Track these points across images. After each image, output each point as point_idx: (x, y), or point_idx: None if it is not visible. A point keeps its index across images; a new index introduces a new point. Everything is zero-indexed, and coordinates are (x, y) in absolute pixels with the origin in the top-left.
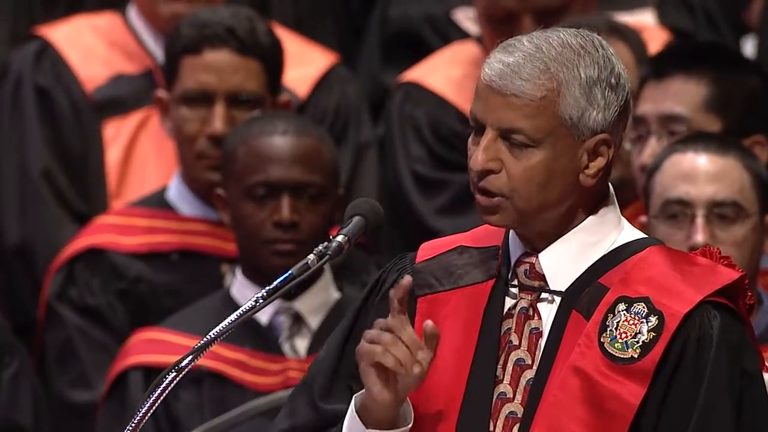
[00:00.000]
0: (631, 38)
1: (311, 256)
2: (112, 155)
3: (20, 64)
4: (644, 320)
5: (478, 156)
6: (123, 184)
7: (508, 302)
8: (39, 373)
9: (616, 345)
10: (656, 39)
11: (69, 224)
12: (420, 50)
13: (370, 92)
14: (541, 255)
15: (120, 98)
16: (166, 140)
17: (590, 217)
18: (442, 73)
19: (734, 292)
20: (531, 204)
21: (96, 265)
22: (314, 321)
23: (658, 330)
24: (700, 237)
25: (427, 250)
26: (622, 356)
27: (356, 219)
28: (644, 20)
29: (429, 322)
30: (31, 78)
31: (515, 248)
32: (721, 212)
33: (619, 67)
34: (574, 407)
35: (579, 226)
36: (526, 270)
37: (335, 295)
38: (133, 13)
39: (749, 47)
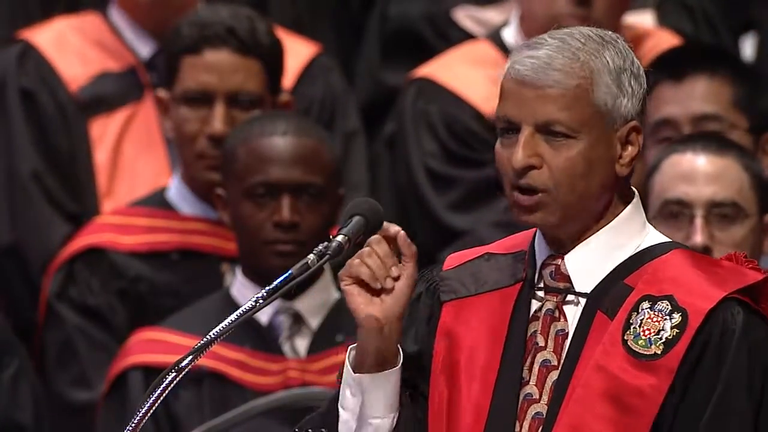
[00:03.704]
0: None
1: (311, 256)
2: (101, 154)
3: (4, 68)
4: (668, 317)
5: (518, 153)
6: (113, 182)
7: (535, 305)
8: (39, 373)
9: (639, 342)
10: (664, 43)
11: (60, 224)
12: (420, 49)
13: (369, 91)
14: (567, 257)
15: (105, 96)
16: (154, 137)
17: (616, 219)
18: (456, 69)
19: (758, 294)
20: (574, 195)
21: (96, 264)
22: (314, 321)
23: (681, 327)
24: (699, 237)
25: (454, 259)
26: (645, 353)
27: (356, 219)
28: (644, 21)
29: (401, 233)
30: (16, 81)
31: (541, 251)
32: (720, 213)
33: (636, 59)
34: (597, 405)
35: (605, 227)
36: (552, 272)
37: (335, 295)
38: (114, 11)
39: (748, 48)
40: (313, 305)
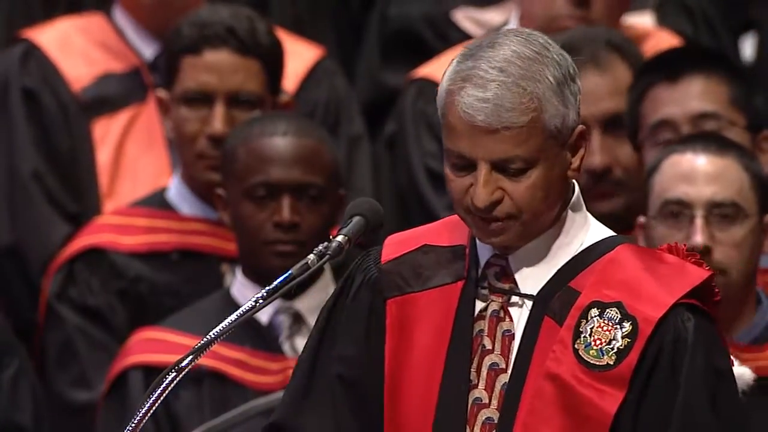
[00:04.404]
0: (631, 55)
1: (311, 256)
2: (103, 154)
3: (6, 67)
4: (618, 326)
5: (480, 194)
6: (115, 183)
7: (479, 305)
8: (39, 373)
9: (590, 352)
10: (664, 43)
11: (61, 225)
12: (419, 50)
13: (369, 91)
14: (511, 257)
15: (108, 97)
16: (156, 138)
17: (563, 217)
18: None
19: (704, 291)
20: (536, 216)
21: (96, 264)
22: (314, 320)
23: (632, 336)
24: (699, 238)
25: (391, 246)
26: (597, 363)
27: (356, 219)
28: (644, 22)
29: None
30: (18, 80)
31: (484, 249)
32: (720, 213)
33: (567, 55)
34: (552, 415)
35: (551, 227)
36: (497, 272)
37: None
38: (118, 12)
39: (748, 48)
40: (313, 305)
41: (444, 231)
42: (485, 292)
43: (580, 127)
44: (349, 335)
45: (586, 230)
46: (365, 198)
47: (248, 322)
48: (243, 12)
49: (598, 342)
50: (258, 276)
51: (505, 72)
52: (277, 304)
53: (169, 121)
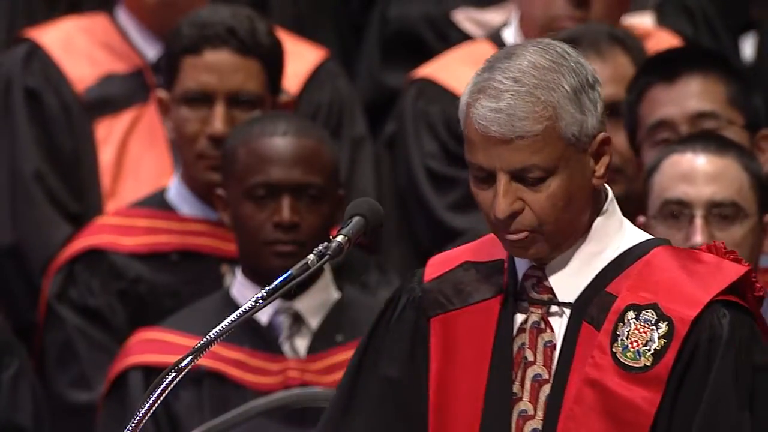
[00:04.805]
0: (633, 48)
1: (311, 256)
2: (105, 155)
3: (9, 67)
4: (654, 327)
5: (500, 204)
6: (117, 184)
7: (519, 317)
8: (39, 373)
9: (628, 354)
10: (664, 43)
11: (62, 225)
12: (419, 51)
13: (369, 92)
14: (547, 268)
15: (111, 98)
16: (158, 139)
17: (594, 222)
18: (456, 70)
19: (742, 287)
20: (560, 226)
21: (96, 265)
22: (314, 321)
23: (668, 336)
24: (699, 238)
25: (434, 267)
26: (635, 365)
27: (356, 219)
28: (644, 23)
29: None
30: (21, 80)
31: (521, 262)
32: (720, 213)
33: (586, 64)
34: (592, 420)
35: (584, 235)
36: (534, 284)
37: (335, 295)
38: (121, 13)
39: (748, 48)
40: (313, 305)
41: (484, 247)
42: (525, 304)
43: (603, 134)
44: (393, 355)
45: (621, 235)
46: (365, 198)
47: (248, 322)
48: (243, 12)
49: (635, 344)
50: (258, 276)
51: (520, 82)
52: (276, 304)
53: (169, 122)
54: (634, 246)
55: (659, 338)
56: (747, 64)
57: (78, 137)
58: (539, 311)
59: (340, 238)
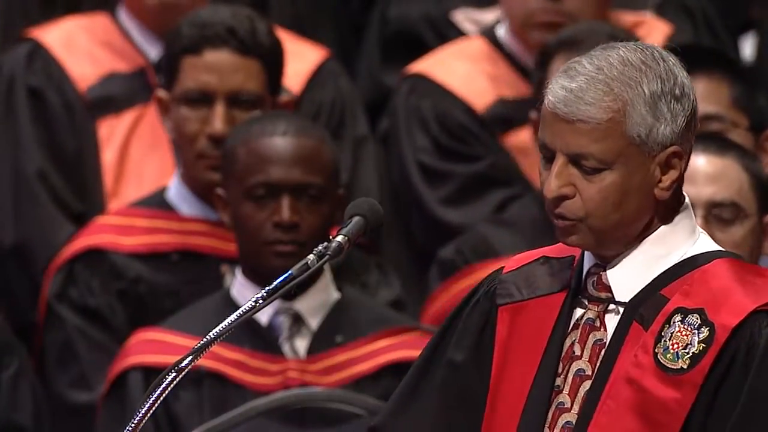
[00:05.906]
0: None
1: (311, 257)
2: (108, 154)
3: (12, 66)
4: (696, 331)
5: (551, 183)
6: (120, 183)
7: (577, 313)
8: (39, 373)
9: (667, 356)
10: (657, 31)
11: (65, 224)
12: (419, 50)
13: (369, 91)
14: (608, 266)
15: (113, 97)
16: (161, 138)
17: (661, 228)
18: (449, 66)
19: None
20: (607, 223)
21: (96, 265)
22: (314, 321)
23: (708, 341)
24: None
25: (516, 260)
26: (672, 366)
27: (356, 219)
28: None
29: None
30: (24, 79)
31: (588, 260)
32: (719, 213)
33: (683, 77)
34: (625, 418)
35: (649, 237)
36: (594, 281)
37: (335, 295)
38: (123, 12)
39: (748, 48)
40: (312, 306)
41: (565, 246)
42: (584, 301)
43: (675, 147)
44: (462, 340)
45: (691, 242)
46: (365, 198)
47: (248, 322)
48: (243, 12)
49: (675, 346)
50: (258, 276)
51: (601, 70)
52: (276, 304)
53: (168, 121)
54: (699, 254)
55: (699, 342)
56: (747, 64)
57: (81, 136)
58: (596, 308)
59: (340, 238)
